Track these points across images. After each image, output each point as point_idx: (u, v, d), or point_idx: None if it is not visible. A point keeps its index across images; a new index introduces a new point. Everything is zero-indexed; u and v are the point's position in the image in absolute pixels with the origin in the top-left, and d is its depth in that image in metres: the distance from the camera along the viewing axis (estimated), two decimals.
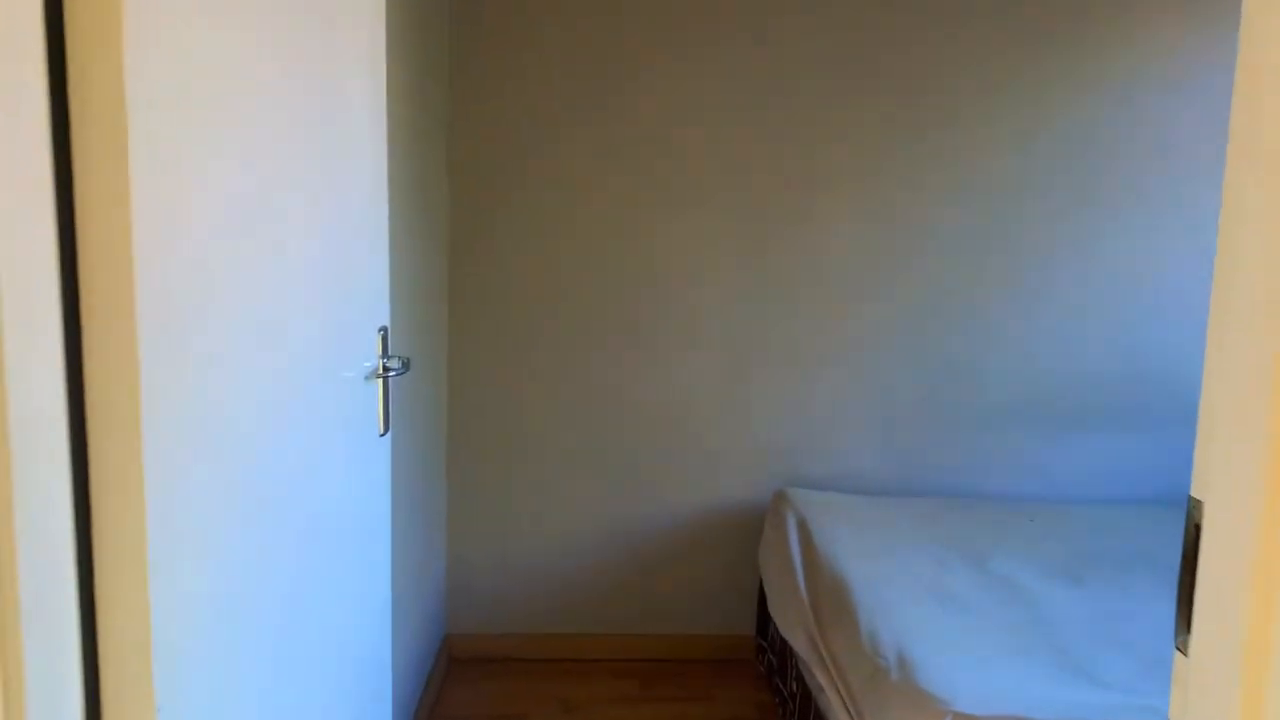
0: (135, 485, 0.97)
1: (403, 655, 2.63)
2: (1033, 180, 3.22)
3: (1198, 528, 0.89)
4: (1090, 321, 3.30)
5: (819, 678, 2.36)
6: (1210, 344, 0.88)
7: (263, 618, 1.29)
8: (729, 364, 3.27)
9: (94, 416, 0.96)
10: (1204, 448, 0.89)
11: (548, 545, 3.34)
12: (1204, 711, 0.86)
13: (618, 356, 3.26)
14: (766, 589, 3.01)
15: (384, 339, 1.70)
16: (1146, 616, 2.46)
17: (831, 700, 2.26)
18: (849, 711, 2.16)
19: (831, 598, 2.50)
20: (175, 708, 1.05)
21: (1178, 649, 0.93)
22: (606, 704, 3.08)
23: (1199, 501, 0.89)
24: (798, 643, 2.55)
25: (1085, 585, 2.67)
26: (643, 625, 3.38)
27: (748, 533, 3.33)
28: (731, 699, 3.12)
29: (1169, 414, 3.34)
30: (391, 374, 1.70)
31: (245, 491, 1.21)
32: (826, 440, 3.32)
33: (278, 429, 1.30)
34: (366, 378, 1.64)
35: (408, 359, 1.74)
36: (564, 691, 3.15)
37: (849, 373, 3.29)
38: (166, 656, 1.03)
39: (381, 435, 1.73)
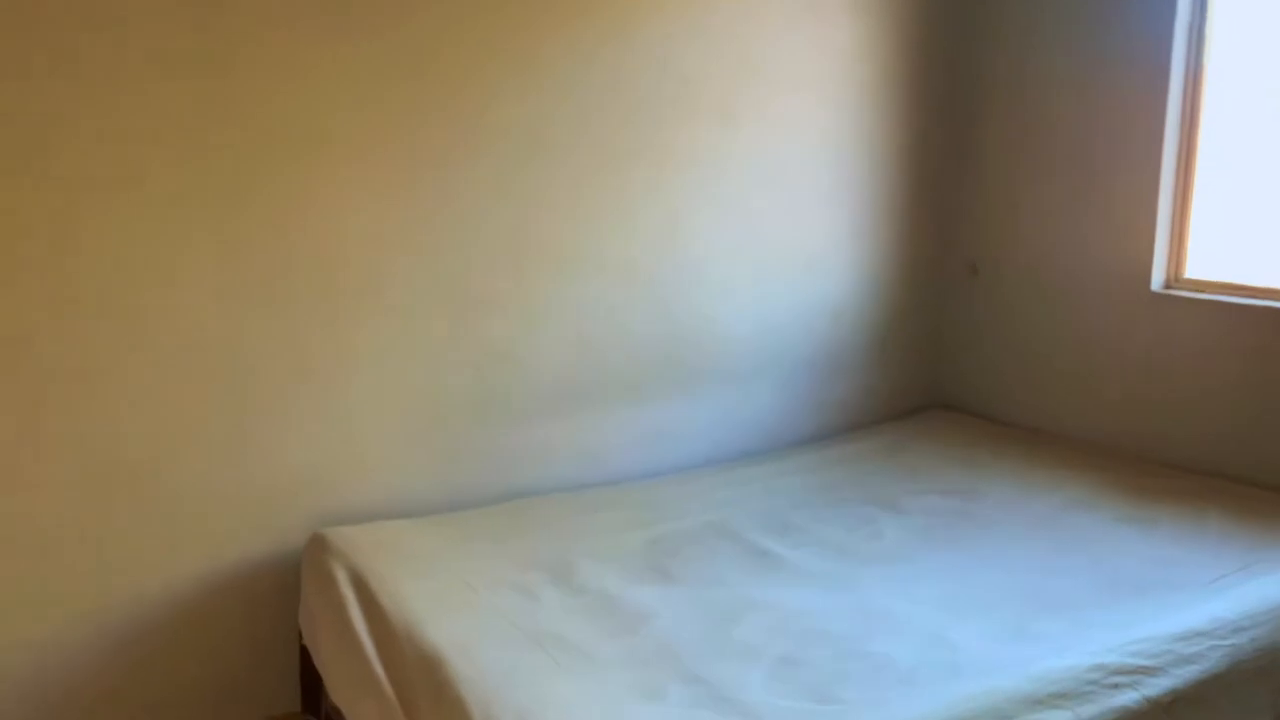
0: None
1: None
2: (556, 143, 2.87)
3: None
4: (627, 286, 3.07)
5: None
6: None
7: None
8: (215, 383, 2.50)
9: None
10: None
11: None
12: None
13: (26, 391, 2.32)
14: (319, 666, 2.38)
15: None
16: (746, 608, 2.30)
17: None
18: None
19: (424, 681, 1.96)
20: None
21: None
22: None
23: None
24: None
25: (678, 580, 2.46)
26: None
27: (276, 591, 2.63)
28: None
29: (710, 372, 3.27)
30: None
31: None
32: (360, 459, 2.72)
33: None
34: None
35: None
36: None
37: (374, 376, 2.71)
38: None
39: None
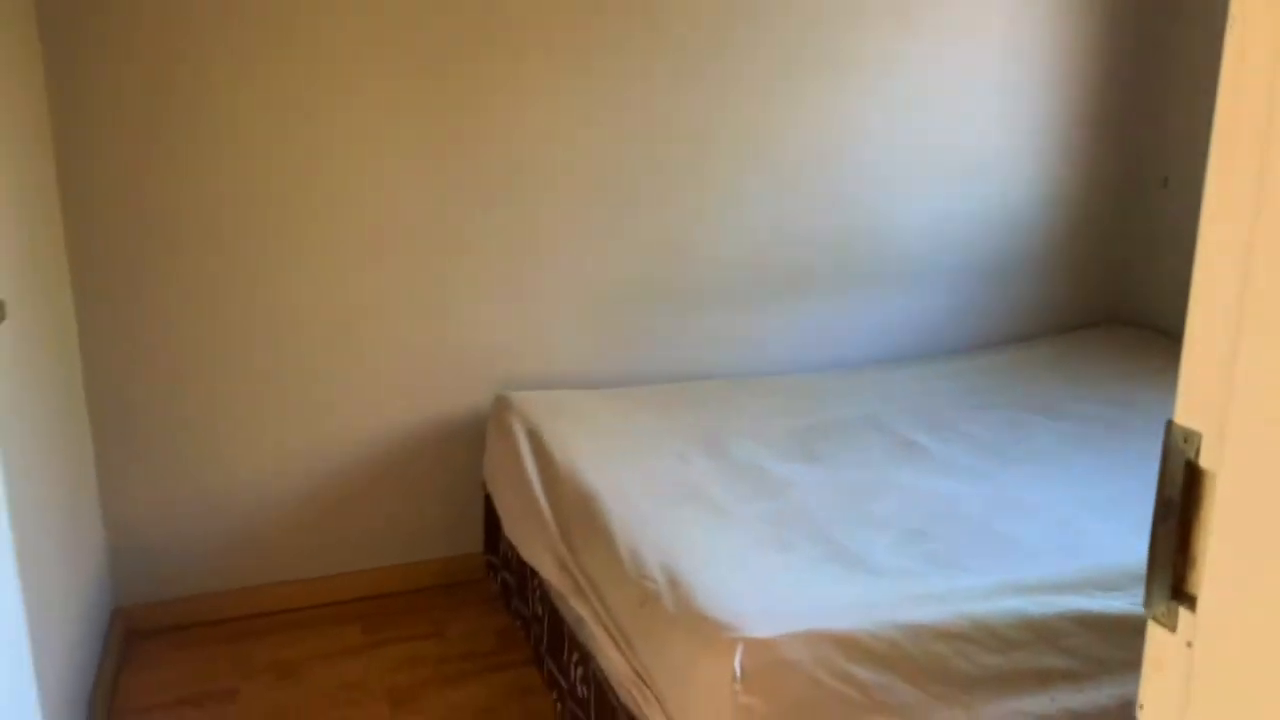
0: None
1: (58, 643, 2.10)
2: (734, 40, 2.99)
3: (1192, 466, 0.67)
4: (800, 184, 3.19)
5: (578, 608, 2.11)
6: (1207, 219, 0.64)
7: None
8: (424, 263, 2.85)
9: None
10: (1200, 356, 0.66)
11: (232, 487, 2.82)
12: (1224, 709, 0.66)
13: (293, 262, 2.73)
14: (498, 508, 2.71)
15: None
16: (885, 487, 2.44)
17: (595, 633, 2.02)
18: (619, 646, 1.93)
19: (579, 514, 2.24)
20: None
21: (1156, 621, 0.72)
22: (327, 659, 2.69)
23: (1194, 432, 0.66)
24: (547, 570, 2.28)
25: (824, 460, 2.61)
26: (357, 561, 2.99)
27: (465, 444, 2.99)
28: (467, 629, 2.83)
29: (880, 273, 3.35)
30: None
31: None
32: (543, 335, 3.02)
33: None
34: None
35: (0, 303, 1.21)
36: (275, 652, 2.72)
37: (558, 261, 2.98)
38: None
39: None
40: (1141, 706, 0.73)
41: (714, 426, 2.76)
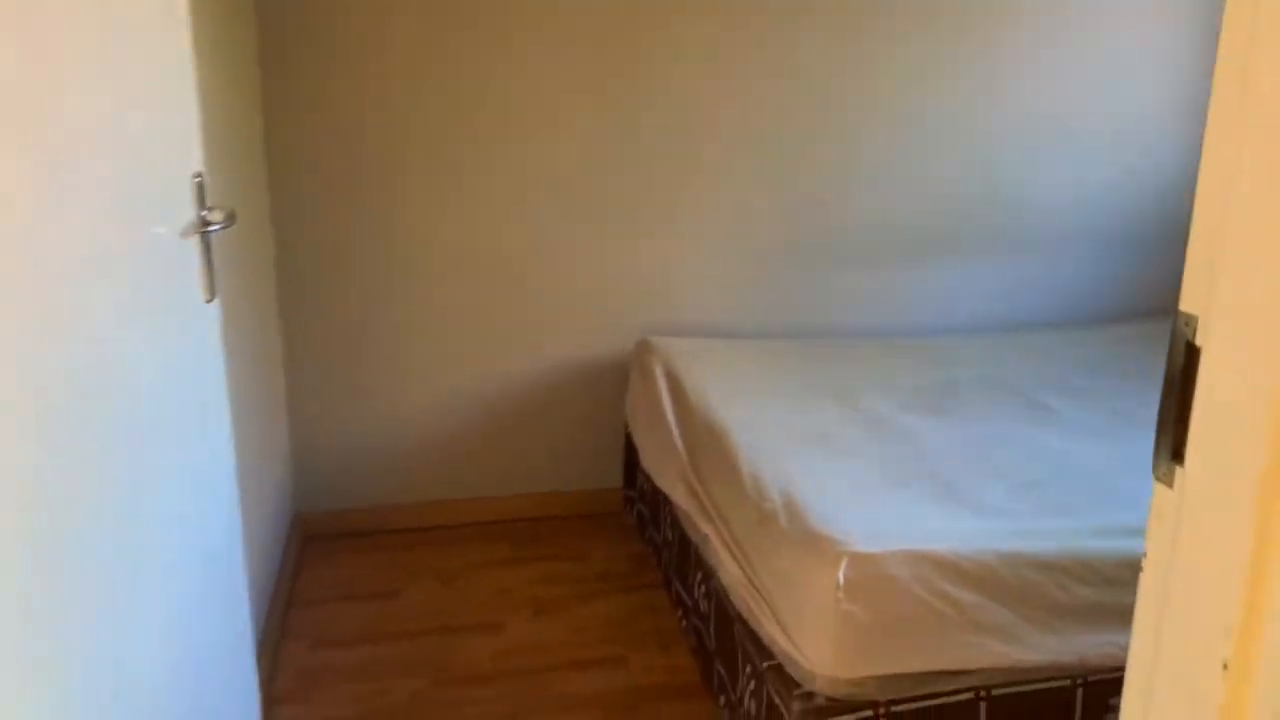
0: None
1: (249, 539, 2.42)
2: (884, 5, 3.07)
3: (1190, 345, 0.79)
4: (945, 148, 3.24)
5: (702, 527, 2.30)
6: (1212, 132, 0.76)
7: (88, 520, 1.07)
8: (581, 212, 3.07)
9: None
10: (1199, 252, 0.78)
11: (401, 410, 3.13)
12: (1200, 548, 0.78)
13: (461, 207, 3.00)
14: (637, 442, 2.92)
15: (200, 188, 1.43)
16: (1010, 442, 2.50)
17: (717, 550, 2.20)
18: (737, 560, 2.10)
19: (709, 446, 2.42)
20: None
21: (1159, 480, 0.84)
22: (480, 569, 2.97)
23: (1192, 316, 0.78)
24: (677, 494, 2.47)
25: (950, 415, 2.68)
26: (509, 486, 3.26)
27: (610, 385, 3.21)
28: (604, 554, 3.06)
29: (1024, 239, 3.37)
30: (213, 229, 1.44)
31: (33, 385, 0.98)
32: (687, 285, 3.20)
33: (69, 302, 1.05)
34: (183, 233, 1.38)
35: (232, 211, 1.48)
36: (435, 560, 3.02)
37: (705, 216, 3.15)
38: None
39: (207, 302, 1.48)
40: (1146, 555, 0.86)
41: (845, 379, 2.87)
